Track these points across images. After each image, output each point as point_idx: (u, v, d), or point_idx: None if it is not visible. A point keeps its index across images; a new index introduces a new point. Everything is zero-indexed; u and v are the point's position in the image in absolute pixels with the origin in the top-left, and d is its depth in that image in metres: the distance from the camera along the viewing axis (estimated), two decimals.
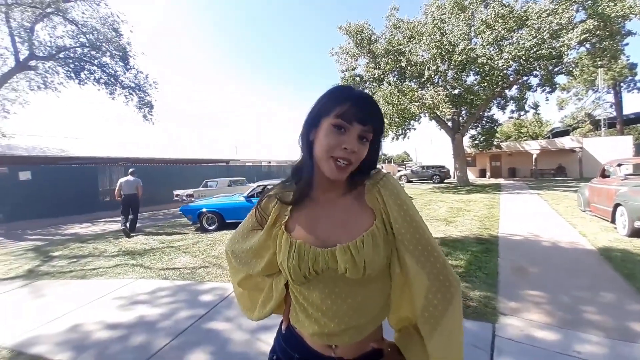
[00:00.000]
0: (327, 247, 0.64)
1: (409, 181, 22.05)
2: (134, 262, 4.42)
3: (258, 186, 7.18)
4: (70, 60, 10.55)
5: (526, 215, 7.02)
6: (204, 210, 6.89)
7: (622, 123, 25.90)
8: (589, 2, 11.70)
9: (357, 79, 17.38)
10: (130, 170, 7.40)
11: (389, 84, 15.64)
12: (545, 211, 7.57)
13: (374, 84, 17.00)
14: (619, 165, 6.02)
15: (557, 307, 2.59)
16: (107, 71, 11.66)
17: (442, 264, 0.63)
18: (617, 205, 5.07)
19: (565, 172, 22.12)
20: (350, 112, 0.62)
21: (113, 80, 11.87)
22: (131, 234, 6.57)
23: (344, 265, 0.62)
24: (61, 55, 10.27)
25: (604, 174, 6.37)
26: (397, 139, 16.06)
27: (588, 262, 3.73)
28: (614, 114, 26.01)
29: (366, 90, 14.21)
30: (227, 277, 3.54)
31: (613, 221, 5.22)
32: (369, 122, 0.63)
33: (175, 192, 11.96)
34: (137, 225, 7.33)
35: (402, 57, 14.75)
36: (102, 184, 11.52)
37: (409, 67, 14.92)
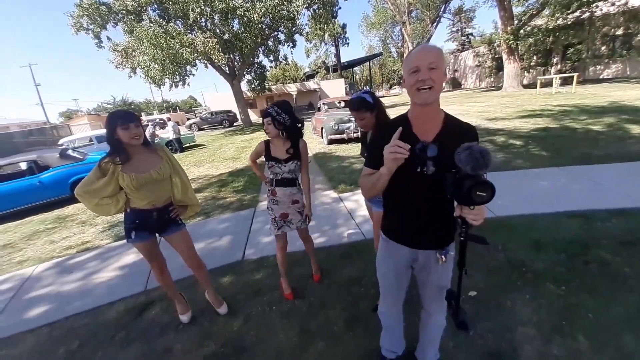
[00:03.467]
0: (146, 173, 1.69)
1: (200, 129, 21.91)
2: None
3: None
4: None
5: None
6: None
7: (341, 68, 37.76)
8: None
9: (103, 8, 13.78)
10: None
11: (151, 21, 13.78)
12: None
13: (130, 17, 14.23)
14: (324, 103, 9.90)
15: None
16: None
17: (187, 179, 1.92)
18: (322, 128, 8.69)
19: (313, 107, 30.43)
20: (126, 119, 1.61)
21: None
22: None
23: (155, 176, 1.71)
24: None
25: (319, 109, 10.24)
26: (176, 86, 15.26)
27: None
28: (336, 61, 37.27)
29: (121, 24, 12.20)
30: None
31: (322, 137, 8.94)
32: (131, 119, 1.66)
33: None
34: None
35: None
36: None
37: (170, 3, 13.66)
